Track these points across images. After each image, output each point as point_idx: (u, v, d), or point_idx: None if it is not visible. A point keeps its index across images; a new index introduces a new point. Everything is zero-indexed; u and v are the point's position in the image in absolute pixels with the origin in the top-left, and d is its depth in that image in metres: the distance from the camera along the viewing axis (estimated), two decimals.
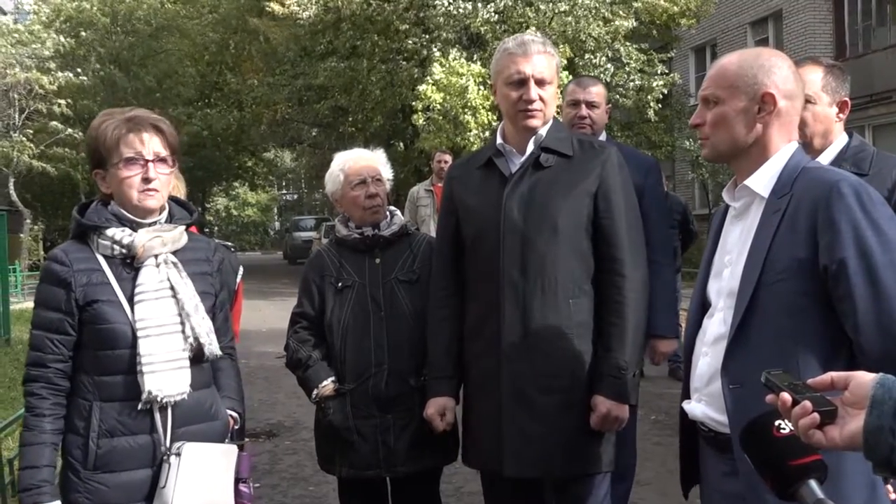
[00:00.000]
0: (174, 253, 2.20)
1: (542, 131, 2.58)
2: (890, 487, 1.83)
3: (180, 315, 2.14)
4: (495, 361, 2.52)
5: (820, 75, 2.49)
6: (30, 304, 2.70)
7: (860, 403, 1.22)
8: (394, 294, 2.82)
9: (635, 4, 16.51)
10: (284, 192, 56.95)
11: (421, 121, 14.76)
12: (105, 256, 2.14)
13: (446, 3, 15.29)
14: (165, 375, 2.09)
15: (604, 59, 15.92)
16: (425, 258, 2.86)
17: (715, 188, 18.53)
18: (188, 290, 2.17)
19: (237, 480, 2.25)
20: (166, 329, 2.12)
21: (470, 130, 14.14)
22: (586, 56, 15.82)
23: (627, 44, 16.40)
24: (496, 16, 15.39)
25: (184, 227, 2.27)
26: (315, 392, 2.81)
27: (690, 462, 2.04)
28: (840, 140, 2.53)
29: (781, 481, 1.31)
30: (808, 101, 2.27)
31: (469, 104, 14.19)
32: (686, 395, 2.01)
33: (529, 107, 2.53)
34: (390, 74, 17.67)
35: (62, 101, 20.15)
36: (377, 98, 18.17)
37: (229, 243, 6.99)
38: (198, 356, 2.17)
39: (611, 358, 2.48)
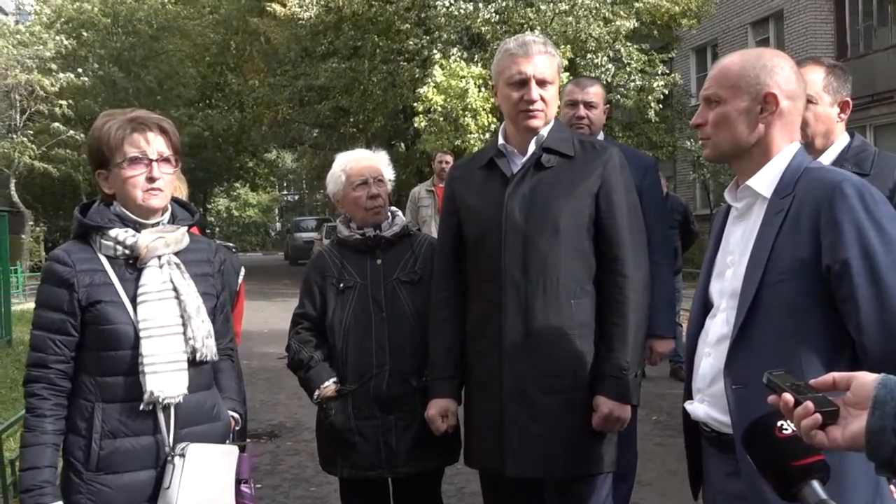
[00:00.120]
0: (176, 254, 2.20)
1: (544, 132, 2.58)
2: (893, 487, 1.82)
3: (182, 316, 2.14)
4: (497, 361, 2.51)
5: (821, 75, 2.50)
6: (31, 305, 2.70)
7: (862, 404, 1.22)
8: (395, 295, 2.82)
9: (636, 5, 16.52)
10: (286, 192, 56.96)
11: (422, 123, 14.76)
12: (108, 257, 2.14)
13: (447, 4, 15.29)
14: (167, 376, 2.09)
15: (605, 59, 15.91)
16: (427, 259, 2.86)
17: (716, 189, 18.52)
18: (191, 292, 2.17)
19: (238, 481, 2.25)
20: (168, 330, 2.12)
21: (470, 133, 14.14)
22: (587, 56, 15.81)
23: (628, 44, 16.36)
24: (497, 16, 15.39)
25: (186, 229, 2.26)
26: (317, 393, 2.81)
27: (698, 462, 2.03)
28: (841, 140, 2.54)
29: (784, 482, 1.32)
30: (809, 101, 2.27)
31: (469, 106, 14.19)
32: (688, 395, 2.00)
33: (531, 107, 2.53)
34: (391, 75, 17.68)
35: (63, 103, 20.16)
36: (378, 99, 18.19)
37: (231, 244, 6.99)
38: (194, 358, 2.16)
39: (612, 358, 2.47)
